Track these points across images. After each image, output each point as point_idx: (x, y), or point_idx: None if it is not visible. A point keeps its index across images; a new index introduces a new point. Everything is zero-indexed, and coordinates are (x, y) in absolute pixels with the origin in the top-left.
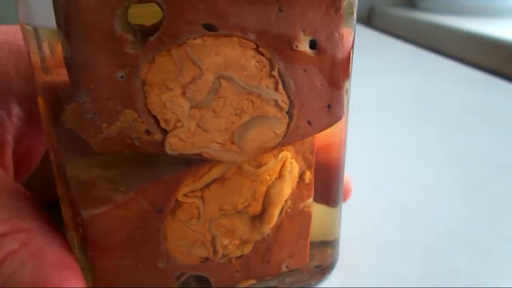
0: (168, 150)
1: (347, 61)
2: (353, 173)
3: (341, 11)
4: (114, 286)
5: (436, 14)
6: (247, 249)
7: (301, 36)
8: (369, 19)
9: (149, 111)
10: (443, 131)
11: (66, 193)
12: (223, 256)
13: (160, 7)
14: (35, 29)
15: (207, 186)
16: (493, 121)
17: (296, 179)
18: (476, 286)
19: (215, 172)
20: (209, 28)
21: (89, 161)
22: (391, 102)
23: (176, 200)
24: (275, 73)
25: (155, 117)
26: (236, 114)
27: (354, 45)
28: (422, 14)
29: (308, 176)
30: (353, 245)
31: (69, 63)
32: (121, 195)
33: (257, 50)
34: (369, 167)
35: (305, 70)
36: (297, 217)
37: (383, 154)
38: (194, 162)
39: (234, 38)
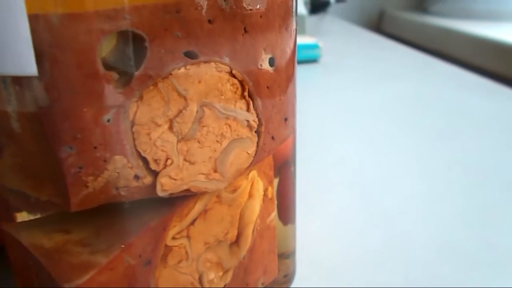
0: (159, 192)
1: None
2: (345, 177)
3: (292, 30)
4: None
5: (447, 19)
6: (229, 277)
7: (263, 54)
8: (379, 24)
9: (138, 153)
10: (440, 137)
11: (26, 268)
12: None
13: (143, 38)
14: (4, 78)
15: (192, 222)
16: (491, 128)
17: (262, 196)
18: None
19: (199, 206)
20: (190, 55)
21: (41, 225)
22: (389, 108)
23: (166, 245)
24: (246, 93)
25: (144, 159)
26: (217, 141)
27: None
28: (433, 19)
29: (271, 191)
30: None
31: (47, 114)
32: (103, 256)
33: (230, 73)
34: (360, 173)
35: (267, 87)
36: (266, 232)
37: (374, 160)
38: (178, 201)
39: (212, 64)
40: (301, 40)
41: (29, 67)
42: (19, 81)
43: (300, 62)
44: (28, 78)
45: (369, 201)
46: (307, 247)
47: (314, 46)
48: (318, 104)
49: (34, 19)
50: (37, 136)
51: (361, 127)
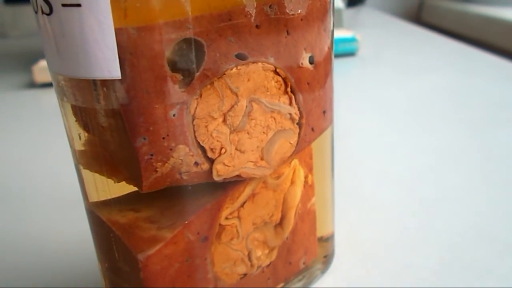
0: (215, 177)
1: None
2: (382, 168)
3: (329, 30)
4: None
5: (490, 6)
6: (274, 256)
7: (304, 54)
8: (419, 14)
9: (198, 143)
10: (478, 129)
11: (107, 241)
12: (258, 267)
13: (202, 44)
14: (95, 82)
15: (242, 205)
16: None
17: (303, 182)
18: (490, 277)
19: (248, 190)
20: (241, 57)
21: (115, 204)
22: (427, 101)
23: (220, 224)
24: (288, 89)
25: (202, 148)
26: (263, 133)
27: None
28: (476, 7)
29: (310, 178)
30: (371, 237)
31: (126, 110)
32: (168, 231)
33: (275, 71)
34: (398, 164)
35: (308, 83)
36: (307, 215)
37: (412, 152)
38: (230, 185)
39: (259, 64)
40: (338, 33)
41: (114, 71)
42: (106, 83)
43: (337, 56)
44: (113, 81)
45: (407, 190)
46: (347, 232)
47: (352, 40)
48: (355, 97)
49: (119, 32)
50: (118, 129)
51: (399, 120)
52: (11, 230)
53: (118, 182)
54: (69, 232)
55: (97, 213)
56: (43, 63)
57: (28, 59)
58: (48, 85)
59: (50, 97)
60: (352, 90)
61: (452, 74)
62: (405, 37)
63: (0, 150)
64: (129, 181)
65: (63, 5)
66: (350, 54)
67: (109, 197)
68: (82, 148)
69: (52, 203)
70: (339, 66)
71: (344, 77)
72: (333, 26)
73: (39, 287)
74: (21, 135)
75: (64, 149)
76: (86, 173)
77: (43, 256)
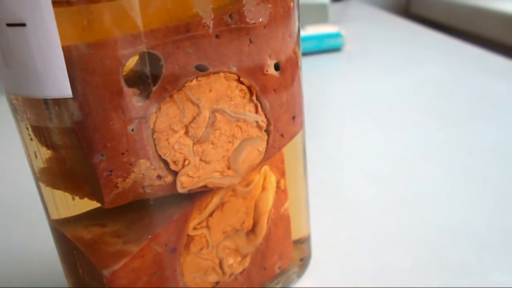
0: (179, 189)
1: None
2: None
3: (295, 34)
4: None
5: None
6: (247, 262)
7: (268, 61)
8: (407, 7)
9: (159, 156)
10: (462, 123)
11: (72, 257)
12: (230, 275)
13: (158, 57)
14: (46, 100)
15: (211, 214)
16: None
17: (275, 188)
18: (466, 275)
19: (216, 199)
20: (201, 68)
21: (81, 220)
22: (412, 96)
23: (188, 235)
24: (254, 97)
25: (164, 161)
26: (229, 142)
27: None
28: None
29: (283, 183)
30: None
31: (81, 127)
32: (134, 245)
33: (238, 80)
34: (378, 161)
35: (274, 90)
36: (280, 220)
37: (394, 148)
38: (196, 196)
39: (221, 74)
40: (324, 29)
41: (65, 90)
42: (58, 101)
43: (322, 52)
44: (65, 99)
45: (386, 189)
46: (324, 233)
47: (337, 35)
48: (340, 93)
49: (67, 50)
50: (74, 146)
51: (382, 116)
52: None
53: (81, 198)
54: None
55: (61, 229)
56: None
57: None
58: None
59: None
60: (336, 86)
61: (438, 69)
62: (393, 31)
63: None
64: (92, 196)
65: (8, 24)
66: (336, 49)
67: (69, 214)
68: (42, 166)
69: (28, 215)
70: (324, 62)
71: (328, 73)
72: (299, 29)
73: None
74: (3, 142)
75: None
76: (45, 190)
77: (17, 269)
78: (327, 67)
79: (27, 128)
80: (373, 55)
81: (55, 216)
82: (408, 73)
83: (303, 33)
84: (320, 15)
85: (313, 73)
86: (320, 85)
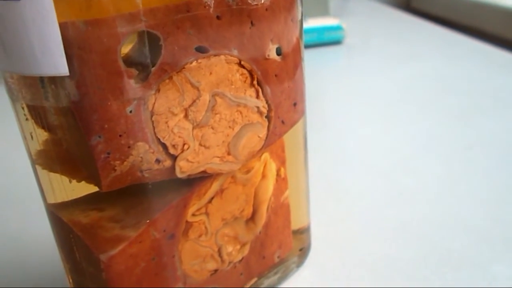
0: (178, 174)
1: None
2: (363, 158)
3: (297, 20)
4: None
5: None
6: (246, 251)
7: (270, 45)
8: (408, 2)
9: (158, 139)
10: (462, 117)
11: (68, 242)
12: (229, 263)
13: (158, 37)
14: (42, 79)
15: (210, 201)
16: None
17: (275, 176)
18: (466, 267)
19: (216, 185)
20: (201, 50)
21: (78, 204)
22: (413, 89)
23: (186, 221)
24: (255, 82)
25: (163, 145)
26: (229, 127)
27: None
28: None
29: (283, 171)
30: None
31: (78, 107)
32: (132, 230)
33: (239, 64)
34: (379, 154)
35: (276, 75)
36: (280, 209)
37: (394, 141)
38: (196, 182)
39: (222, 56)
40: (324, 22)
41: (61, 68)
42: (54, 80)
43: (323, 45)
44: (61, 77)
45: (386, 181)
46: (324, 224)
47: (337, 28)
48: (340, 87)
49: (64, 26)
50: (71, 127)
51: (383, 109)
52: None
53: (78, 181)
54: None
55: (57, 213)
56: None
57: None
58: None
59: None
60: (337, 80)
61: (439, 62)
62: (393, 25)
63: None
64: (89, 180)
65: None
66: (336, 42)
67: (66, 199)
68: (38, 148)
69: (24, 200)
70: (324, 55)
71: (329, 66)
72: (302, 15)
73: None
74: None
75: None
76: (42, 174)
77: (13, 255)
78: (328, 60)
79: (23, 108)
80: (374, 49)
81: (51, 200)
82: (409, 67)
83: (304, 25)
84: (321, 7)
85: (313, 65)
86: (320, 77)
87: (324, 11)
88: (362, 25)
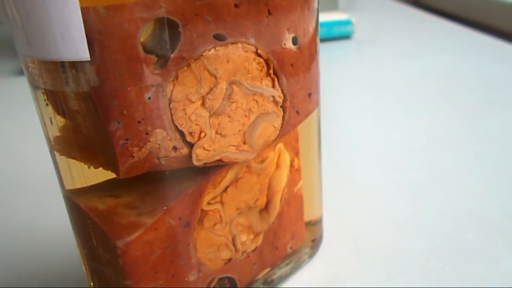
0: (195, 162)
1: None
2: (374, 152)
3: (314, 9)
4: None
5: None
6: (260, 241)
7: (286, 34)
8: None
9: (176, 127)
10: (471, 111)
11: (86, 228)
12: (243, 252)
13: (177, 24)
14: (63, 63)
15: (225, 190)
16: None
17: (288, 167)
18: (479, 259)
19: (231, 174)
20: (219, 38)
21: (94, 191)
22: (423, 84)
23: (202, 210)
24: (271, 71)
25: (181, 132)
26: (245, 116)
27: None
28: None
29: (297, 162)
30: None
31: (98, 93)
32: (148, 217)
33: (256, 53)
34: (390, 147)
35: (291, 65)
36: (293, 200)
37: (405, 135)
38: (211, 170)
39: (239, 45)
40: (334, 16)
41: (82, 53)
42: (75, 65)
43: (332, 39)
44: (82, 63)
45: (398, 174)
46: (336, 216)
47: (347, 22)
48: (350, 81)
49: (85, 11)
50: (90, 113)
51: (393, 103)
52: None
53: (95, 167)
54: (58, 217)
55: (75, 200)
56: None
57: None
58: None
59: None
60: (347, 74)
61: (449, 57)
62: (402, 20)
63: None
64: (106, 166)
65: None
66: (346, 37)
67: (84, 185)
68: (56, 134)
69: (39, 189)
70: (334, 50)
71: (339, 60)
72: (318, 5)
73: (23, 274)
74: (9, 121)
75: None
76: (60, 160)
77: (28, 243)
78: (337, 55)
79: (43, 93)
80: (384, 43)
81: (69, 186)
82: (419, 61)
83: None
84: (330, 2)
85: (322, 60)
86: (330, 72)
87: (333, 5)
88: (371, 20)
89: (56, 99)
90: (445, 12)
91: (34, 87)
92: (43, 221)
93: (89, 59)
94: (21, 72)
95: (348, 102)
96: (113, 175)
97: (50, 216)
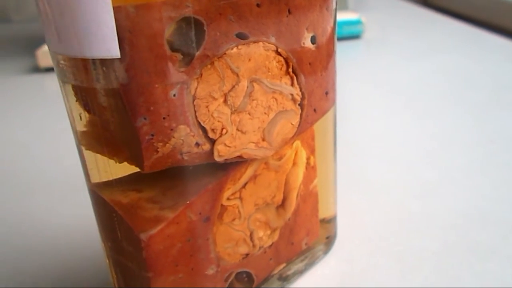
0: (216, 158)
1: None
2: (386, 150)
3: (332, 9)
4: None
5: None
6: (276, 236)
7: (305, 33)
8: None
9: (199, 123)
10: (482, 111)
11: (111, 221)
12: (260, 248)
13: (202, 23)
14: (94, 61)
15: (244, 186)
16: None
17: (305, 164)
18: (493, 258)
19: (250, 171)
20: (241, 36)
21: (118, 185)
22: (433, 84)
23: (221, 205)
24: (290, 70)
25: (203, 129)
26: (265, 113)
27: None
28: None
29: (313, 159)
30: (374, 219)
31: (126, 89)
32: (170, 211)
33: (276, 51)
34: (401, 146)
35: (310, 64)
36: (309, 197)
37: (416, 134)
38: (231, 166)
39: (260, 43)
40: (343, 16)
41: (114, 50)
42: (105, 62)
43: (342, 39)
44: (112, 60)
45: (410, 173)
46: (349, 214)
47: (357, 22)
48: (360, 80)
49: (117, 10)
50: (118, 109)
51: (404, 102)
52: (16, 212)
53: (120, 162)
54: (72, 214)
55: (100, 193)
56: (46, 48)
57: (31, 44)
58: (52, 69)
59: (54, 81)
60: (357, 74)
61: (458, 57)
62: (412, 20)
63: (4, 134)
64: (131, 161)
65: None
66: (355, 37)
67: (110, 178)
68: (84, 129)
69: (55, 186)
70: (343, 49)
71: (348, 60)
72: (336, 5)
73: (43, 270)
74: (25, 119)
75: (67, 132)
76: (88, 154)
77: (47, 238)
78: (347, 54)
79: (73, 90)
80: (393, 43)
81: (96, 179)
82: (429, 61)
83: None
84: (340, 2)
85: None
86: (340, 71)
87: (343, 5)
88: (381, 19)
89: (85, 95)
90: (454, 12)
91: (64, 83)
92: (60, 218)
93: (119, 56)
94: (34, 70)
95: (358, 101)
96: (136, 170)
97: (65, 213)
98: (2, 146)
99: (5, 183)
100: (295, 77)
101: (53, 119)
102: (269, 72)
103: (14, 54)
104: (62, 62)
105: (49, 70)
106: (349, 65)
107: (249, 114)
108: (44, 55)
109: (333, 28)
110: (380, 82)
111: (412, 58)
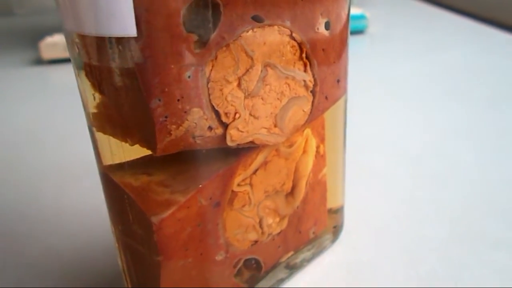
0: (229, 142)
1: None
2: (392, 143)
3: None
4: (179, 287)
5: None
6: (284, 224)
7: (320, 19)
8: None
9: (212, 106)
10: (490, 106)
11: (122, 204)
12: (268, 235)
13: (218, 4)
14: (110, 39)
15: (254, 172)
16: None
17: (314, 152)
18: (502, 249)
19: (261, 157)
20: (257, 19)
21: (129, 168)
22: (437, 79)
23: (232, 191)
24: (304, 55)
25: (216, 112)
26: (278, 99)
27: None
28: None
29: (322, 148)
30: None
31: (142, 69)
32: (181, 195)
33: (291, 36)
34: (408, 139)
35: (323, 50)
36: (317, 186)
37: (423, 128)
38: (242, 152)
39: (275, 27)
40: None
41: (130, 29)
42: (121, 41)
43: None
44: (128, 39)
45: (417, 165)
46: (356, 205)
47: (361, 17)
48: (364, 75)
49: None
50: (134, 89)
51: (409, 97)
52: (23, 201)
53: (131, 145)
54: (80, 200)
55: (111, 176)
56: (50, 40)
57: (34, 36)
58: (55, 61)
59: (57, 73)
60: (361, 68)
61: (463, 52)
62: (416, 15)
63: (8, 125)
64: (143, 144)
65: None
66: (359, 31)
67: (123, 160)
68: (96, 111)
69: (62, 174)
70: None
71: (352, 55)
72: None
73: (51, 255)
74: (29, 111)
75: (71, 122)
76: (100, 136)
77: (55, 224)
78: (351, 49)
79: (88, 69)
80: (398, 38)
81: (108, 161)
82: (433, 56)
83: None
84: None
85: None
86: None
87: None
88: (385, 14)
89: (100, 75)
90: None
91: (78, 63)
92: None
93: (136, 35)
94: (37, 62)
95: (362, 96)
96: (147, 153)
97: (71, 199)
98: (6, 137)
99: (10, 173)
100: (308, 63)
101: (57, 110)
102: (283, 57)
103: (18, 46)
104: (76, 40)
105: (52, 62)
106: (353, 60)
107: (262, 99)
108: (47, 47)
109: (347, 15)
110: (384, 76)
111: (416, 53)
